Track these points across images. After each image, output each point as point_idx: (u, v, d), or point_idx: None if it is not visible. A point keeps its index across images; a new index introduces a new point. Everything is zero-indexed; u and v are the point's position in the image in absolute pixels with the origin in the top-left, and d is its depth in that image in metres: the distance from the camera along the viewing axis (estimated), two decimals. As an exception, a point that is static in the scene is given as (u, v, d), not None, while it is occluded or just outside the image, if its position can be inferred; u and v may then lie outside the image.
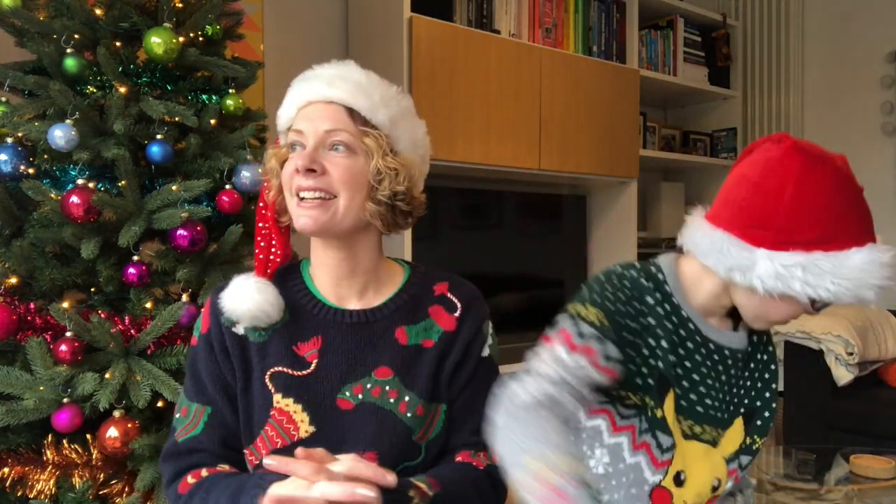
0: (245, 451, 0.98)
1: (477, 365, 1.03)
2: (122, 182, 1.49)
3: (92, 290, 1.56)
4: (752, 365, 1.00)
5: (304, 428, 0.95)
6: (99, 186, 1.55)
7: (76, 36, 1.55)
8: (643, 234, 3.55)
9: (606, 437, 0.94)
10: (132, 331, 1.49)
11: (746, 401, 0.99)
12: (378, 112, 0.95)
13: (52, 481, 1.43)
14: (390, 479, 0.83)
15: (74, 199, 1.44)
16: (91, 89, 1.60)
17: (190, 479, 0.94)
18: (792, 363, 2.90)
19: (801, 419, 2.89)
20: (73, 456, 1.45)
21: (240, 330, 0.98)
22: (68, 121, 1.46)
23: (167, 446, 0.99)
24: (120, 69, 1.59)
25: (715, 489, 0.97)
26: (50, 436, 1.44)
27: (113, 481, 1.48)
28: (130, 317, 1.51)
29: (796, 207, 0.82)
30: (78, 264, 1.51)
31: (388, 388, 0.97)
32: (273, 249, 1.02)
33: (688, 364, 0.93)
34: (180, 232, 1.51)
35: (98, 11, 1.58)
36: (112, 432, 1.41)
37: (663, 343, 0.91)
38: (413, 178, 0.98)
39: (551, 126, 2.91)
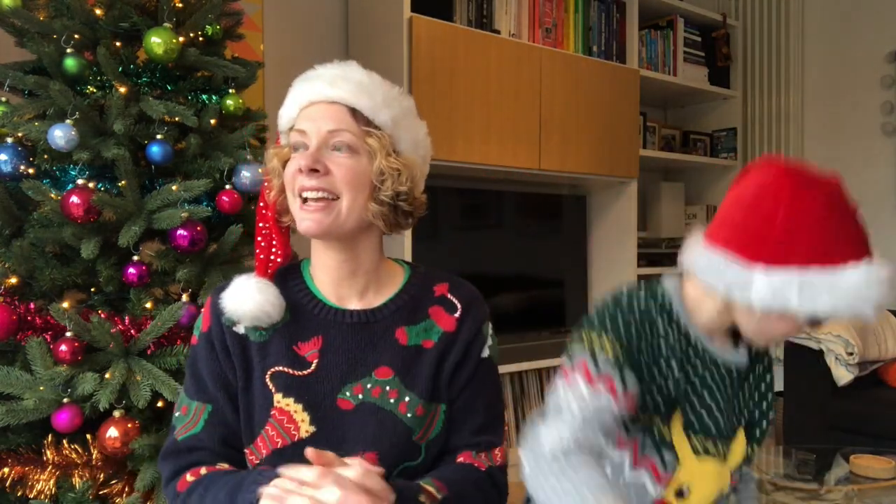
0: (245, 451, 0.98)
1: (477, 365, 1.03)
2: (122, 182, 1.49)
3: (92, 290, 1.56)
4: (751, 377, 1.02)
5: (305, 428, 0.95)
6: (99, 186, 1.55)
7: (76, 36, 1.56)
8: (643, 234, 3.55)
9: (609, 452, 0.96)
10: (132, 331, 1.49)
11: (747, 412, 1.02)
12: (380, 112, 0.95)
13: (52, 481, 1.43)
14: (392, 497, 0.83)
15: (74, 199, 1.44)
16: (91, 89, 1.60)
17: (189, 477, 0.94)
18: (792, 363, 2.90)
19: (801, 419, 2.90)
20: (73, 456, 1.45)
21: (241, 329, 0.98)
22: (68, 121, 1.46)
23: (166, 444, 0.99)
24: (120, 69, 1.59)
25: (717, 500, 0.99)
26: (50, 436, 1.44)
27: (113, 481, 1.48)
28: (130, 317, 1.51)
29: (790, 226, 0.83)
30: (78, 264, 1.51)
31: (388, 388, 0.97)
32: (273, 249, 1.02)
33: (696, 382, 0.95)
34: (180, 232, 1.51)
35: (98, 11, 1.58)
36: (112, 432, 1.41)
37: (672, 363, 0.94)
38: (415, 178, 0.99)
39: (551, 126, 2.91)
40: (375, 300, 1.02)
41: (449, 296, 1.04)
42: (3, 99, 1.57)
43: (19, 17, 1.55)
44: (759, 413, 1.02)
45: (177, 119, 1.57)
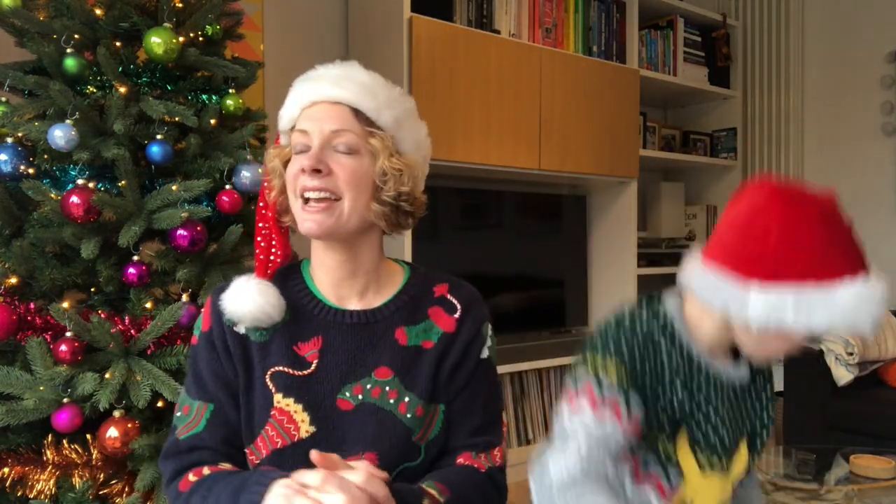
0: (246, 451, 0.98)
1: (476, 366, 1.03)
2: (122, 182, 1.49)
3: (92, 290, 1.56)
4: (752, 390, 1.04)
5: (305, 428, 0.95)
6: (99, 186, 1.55)
7: (76, 36, 1.56)
8: (643, 234, 3.55)
9: (613, 473, 0.97)
10: (132, 331, 1.49)
11: (749, 424, 1.03)
12: (383, 113, 0.96)
13: (52, 481, 1.43)
14: None
15: (74, 199, 1.45)
16: (91, 89, 1.60)
17: (191, 477, 0.94)
18: (792, 363, 2.90)
19: (801, 419, 2.89)
20: (73, 456, 1.45)
21: (241, 329, 0.98)
22: (68, 121, 1.46)
23: (168, 444, 0.99)
24: (120, 69, 1.59)
25: None
26: (50, 436, 1.44)
27: (113, 481, 1.48)
28: (130, 317, 1.51)
29: (783, 243, 0.84)
30: (78, 264, 1.51)
31: (387, 388, 0.97)
32: (273, 250, 1.02)
33: (699, 401, 0.96)
34: (180, 232, 1.51)
35: (98, 11, 1.58)
36: (112, 432, 1.41)
37: (676, 383, 0.95)
38: (416, 178, 0.99)
39: (551, 126, 2.91)
40: (375, 300, 1.02)
41: (449, 296, 1.04)
42: (3, 99, 1.57)
43: (19, 17, 1.55)
44: (760, 424, 1.04)
45: (177, 119, 1.57)
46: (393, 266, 1.07)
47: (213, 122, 1.65)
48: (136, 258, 1.51)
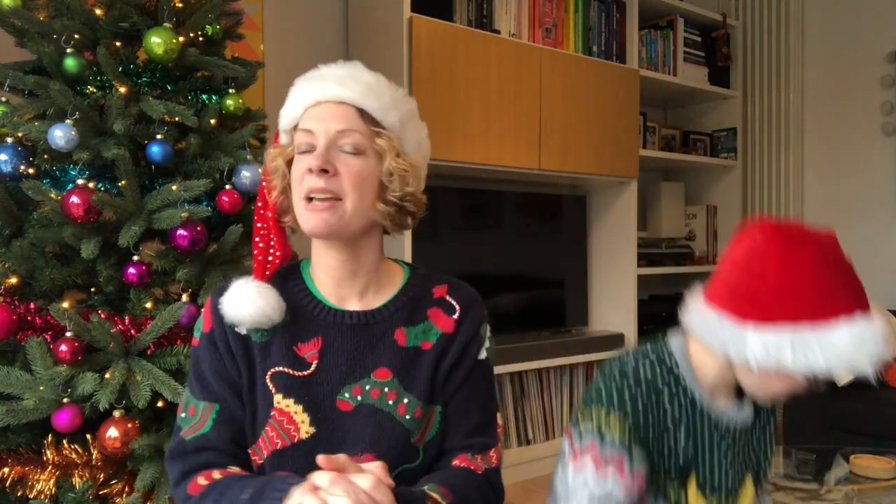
0: (249, 451, 0.98)
1: (473, 367, 1.02)
2: (122, 182, 1.49)
3: (92, 290, 1.56)
4: (755, 427, 1.05)
5: (305, 429, 0.95)
6: (99, 186, 1.55)
7: (76, 36, 1.56)
8: (643, 234, 3.55)
9: None
10: (132, 331, 1.49)
11: (754, 459, 1.04)
12: (389, 113, 0.95)
13: (52, 481, 1.43)
14: None
15: (74, 199, 1.45)
16: (91, 89, 1.60)
17: (201, 481, 0.92)
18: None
19: (801, 419, 2.90)
20: (73, 456, 1.45)
21: (242, 330, 0.98)
22: (68, 121, 1.46)
23: (173, 445, 0.98)
24: (120, 69, 1.59)
25: None
26: (50, 436, 1.44)
27: (113, 481, 1.48)
28: (130, 317, 1.51)
29: (780, 284, 0.85)
30: (78, 264, 1.51)
31: (386, 389, 0.97)
32: (272, 251, 1.01)
33: (704, 446, 0.97)
34: (180, 232, 1.51)
35: (98, 11, 1.58)
36: (112, 432, 1.41)
37: (680, 431, 0.96)
38: (419, 179, 0.99)
39: (551, 126, 2.91)
40: (375, 301, 1.02)
41: (448, 298, 1.04)
42: (3, 99, 1.57)
43: (19, 17, 1.55)
44: (764, 458, 1.05)
45: (177, 119, 1.57)
46: (393, 266, 1.07)
47: (213, 122, 1.65)
48: (136, 258, 1.51)
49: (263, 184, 1.02)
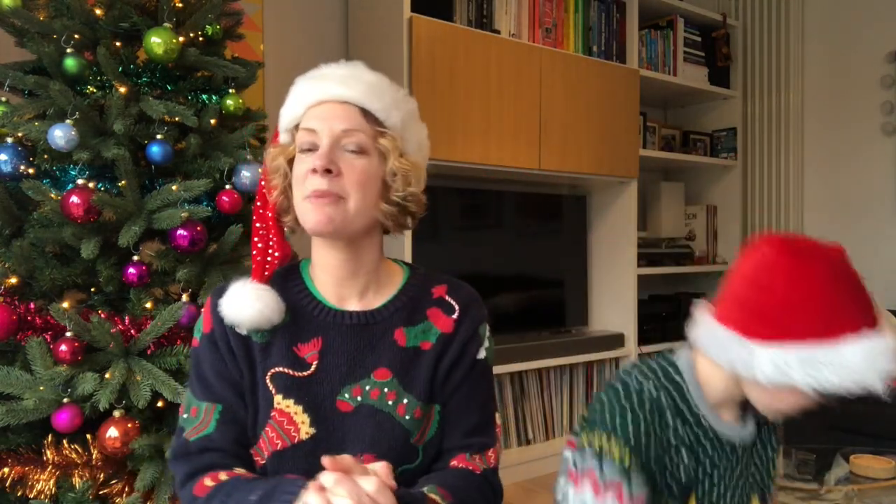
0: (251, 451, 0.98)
1: (471, 366, 1.02)
2: (122, 182, 1.49)
3: (92, 290, 1.56)
4: (758, 444, 1.04)
5: (305, 430, 0.95)
6: (99, 186, 1.55)
7: (76, 36, 1.56)
8: (643, 234, 3.55)
9: None
10: (132, 331, 1.49)
11: (758, 478, 1.04)
12: (391, 114, 0.96)
13: (52, 481, 1.43)
14: None
15: (74, 199, 1.44)
16: (91, 89, 1.60)
17: (208, 482, 0.92)
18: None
19: (801, 419, 2.89)
20: (73, 456, 1.45)
21: (243, 330, 0.98)
22: (68, 121, 1.46)
23: (177, 446, 0.97)
24: (120, 69, 1.59)
25: None
26: (50, 436, 1.44)
27: (113, 481, 1.48)
28: (130, 317, 1.51)
29: (789, 302, 0.84)
30: (78, 264, 1.51)
31: (386, 389, 0.97)
32: (271, 251, 1.01)
33: (707, 466, 0.96)
34: (180, 232, 1.51)
35: (98, 11, 1.58)
36: (112, 432, 1.41)
37: (682, 452, 0.95)
38: (421, 179, 0.99)
39: (551, 126, 2.91)
40: (375, 301, 1.01)
41: (447, 297, 1.04)
42: (3, 99, 1.57)
43: (19, 17, 1.55)
44: (767, 475, 1.05)
45: (177, 119, 1.57)
46: (392, 266, 1.07)
47: (213, 122, 1.65)
48: (136, 258, 1.51)
49: (262, 183, 1.02)
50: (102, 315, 1.47)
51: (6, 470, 1.43)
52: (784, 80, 3.63)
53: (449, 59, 2.58)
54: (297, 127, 0.97)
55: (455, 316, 1.02)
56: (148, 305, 1.52)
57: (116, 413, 1.43)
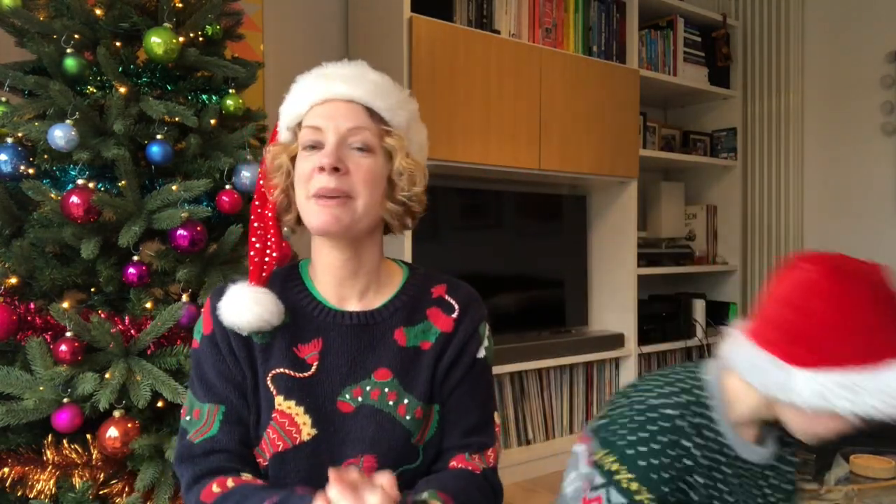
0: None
1: (471, 366, 1.02)
2: (122, 182, 1.49)
3: (92, 290, 1.56)
4: (779, 467, 1.02)
5: (307, 431, 0.94)
6: (99, 186, 1.55)
7: (76, 36, 1.56)
8: (643, 234, 3.55)
9: None
10: (132, 331, 1.49)
11: (778, 498, 1.02)
12: (396, 114, 0.96)
13: (52, 481, 1.43)
14: None
15: (74, 199, 1.44)
16: (91, 89, 1.60)
17: (215, 488, 0.91)
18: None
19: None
20: (73, 456, 1.45)
21: (243, 331, 0.97)
22: (68, 121, 1.46)
23: (181, 448, 0.97)
24: (120, 69, 1.59)
25: None
26: (50, 436, 1.44)
27: (113, 481, 1.48)
28: (130, 317, 1.51)
29: (831, 326, 0.82)
30: (78, 264, 1.51)
31: (387, 390, 0.97)
32: (269, 251, 1.01)
33: (723, 487, 0.95)
34: (180, 232, 1.51)
35: (98, 11, 1.58)
36: (112, 432, 1.41)
37: (697, 478, 0.92)
38: (424, 179, 0.99)
39: (551, 126, 2.91)
40: (375, 301, 1.01)
41: (447, 297, 1.04)
42: (3, 99, 1.57)
43: (19, 17, 1.55)
44: (785, 496, 1.02)
45: (177, 119, 1.57)
46: (392, 266, 1.07)
47: (213, 122, 1.65)
48: (136, 258, 1.51)
49: (260, 182, 1.01)
50: (102, 315, 1.47)
51: (6, 470, 1.43)
52: (784, 80, 3.63)
53: (449, 60, 2.58)
54: (299, 125, 0.97)
55: (455, 315, 1.02)
56: (148, 305, 1.52)
57: (116, 413, 1.43)
